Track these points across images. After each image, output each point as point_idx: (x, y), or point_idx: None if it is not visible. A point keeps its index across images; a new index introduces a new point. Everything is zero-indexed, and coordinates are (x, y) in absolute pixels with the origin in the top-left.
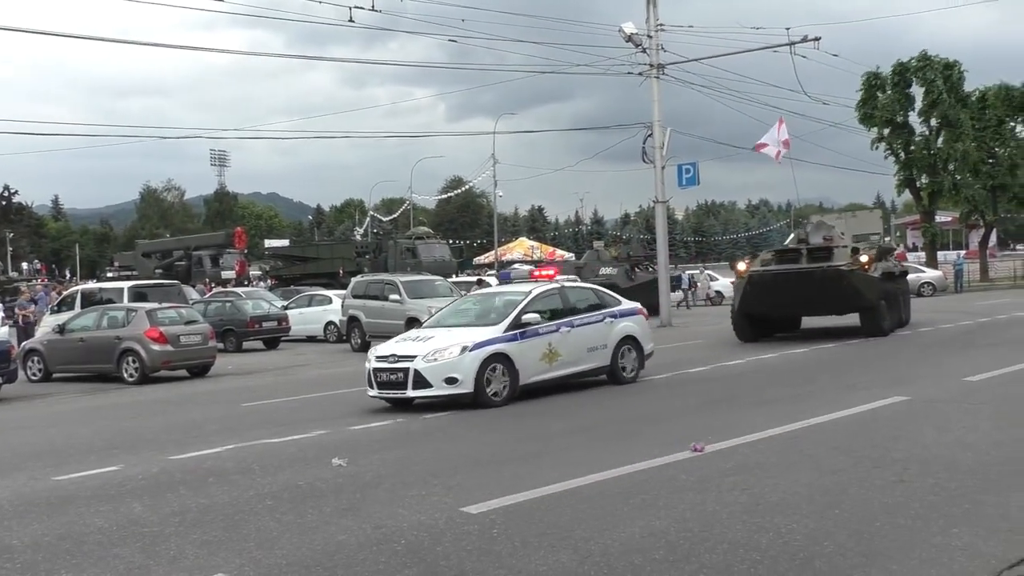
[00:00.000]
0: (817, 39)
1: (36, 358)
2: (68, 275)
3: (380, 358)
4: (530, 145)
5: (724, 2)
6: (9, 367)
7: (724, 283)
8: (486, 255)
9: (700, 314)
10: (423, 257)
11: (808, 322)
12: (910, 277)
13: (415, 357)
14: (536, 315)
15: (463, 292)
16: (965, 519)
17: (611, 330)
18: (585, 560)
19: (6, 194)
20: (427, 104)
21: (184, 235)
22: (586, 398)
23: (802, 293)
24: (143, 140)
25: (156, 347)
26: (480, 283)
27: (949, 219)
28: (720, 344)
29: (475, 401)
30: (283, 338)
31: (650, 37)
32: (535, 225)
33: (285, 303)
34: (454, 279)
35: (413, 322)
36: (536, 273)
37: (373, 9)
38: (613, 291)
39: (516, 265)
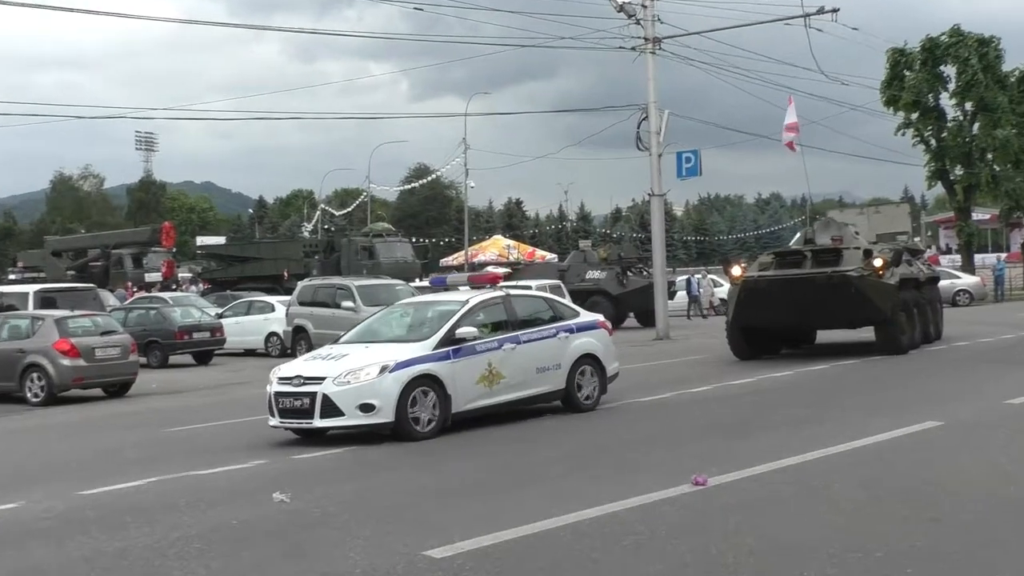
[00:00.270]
0: (835, 11)
1: None
2: None
3: (283, 380)
4: (507, 129)
5: None
6: None
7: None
8: (455, 256)
9: (703, 325)
10: (382, 258)
11: (824, 336)
12: (943, 283)
13: (324, 379)
14: (473, 329)
15: None
16: (1010, 565)
17: (566, 347)
18: None
19: None
20: (388, 81)
21: (102, 231)
22: (557, 423)
23: (803, 303)
24: (56, 120)
25: (66, 362)
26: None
27: (987, 217)
28: (724, 361)
29: (396, 432)
30: (217, 351)
31: (645, 7)
32: (512, 221)
33: (220, 311)
34: (417, 283)
35: None
36: (477, 277)
37: None
38: (602, 297)
39: (474, 267)
